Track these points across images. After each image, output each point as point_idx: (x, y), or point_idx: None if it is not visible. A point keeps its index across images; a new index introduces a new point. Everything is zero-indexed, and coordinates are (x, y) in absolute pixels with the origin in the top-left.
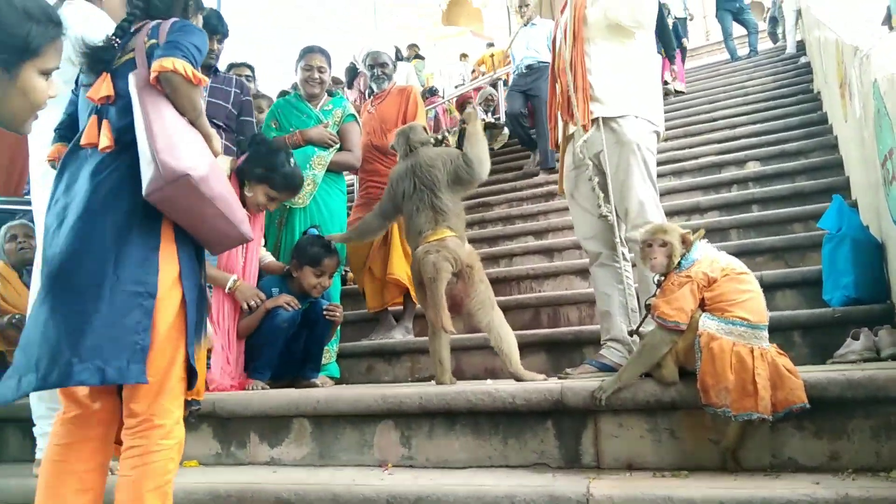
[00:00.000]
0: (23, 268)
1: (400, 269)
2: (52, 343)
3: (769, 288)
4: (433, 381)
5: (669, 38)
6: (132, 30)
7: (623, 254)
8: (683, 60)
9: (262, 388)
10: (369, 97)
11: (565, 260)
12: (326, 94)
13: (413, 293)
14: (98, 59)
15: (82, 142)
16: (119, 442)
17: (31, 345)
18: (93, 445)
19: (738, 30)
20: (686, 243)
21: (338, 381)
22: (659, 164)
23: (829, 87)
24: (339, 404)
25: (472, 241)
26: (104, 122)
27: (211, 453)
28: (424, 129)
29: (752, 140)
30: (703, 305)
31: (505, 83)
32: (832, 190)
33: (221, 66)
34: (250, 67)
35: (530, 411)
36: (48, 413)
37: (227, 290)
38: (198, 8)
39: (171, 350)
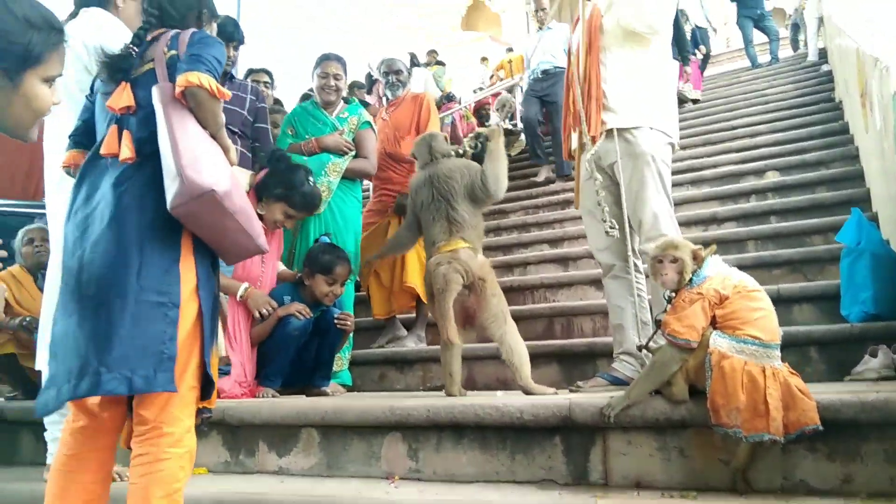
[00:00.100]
0: (38, 271)
1: (414, 277)
2: (81, 354)
3: (786, 302)
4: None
5: (684, 42)
6: (148, 38)
7: (636, 265)
8: (703, 68)
9: (273, 396)
10: (385, 104)
11: (580, 269)
12: (342, 101)
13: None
14: (117, 68)
15: (102, 151)
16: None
17: (63, 355)
18: (101, 456)
19: (759, 37)
20: (697, 259)
21: (350, 389)
22: (676, 172)
23: (850, 96)
24: (347, 415)
25: (487, 248)
26: (125, 132)
27: (220, 461)
28: (445, 139)
29: (771, 149)
30: (714, 323)
31: (522, 89)
32: (852, 202)
33: (241, 69)
34: (269, 73)
35: (538, 427)
36: (59, 418)
37: (238, 298)
38: (212, 16)
39: (184, 359)
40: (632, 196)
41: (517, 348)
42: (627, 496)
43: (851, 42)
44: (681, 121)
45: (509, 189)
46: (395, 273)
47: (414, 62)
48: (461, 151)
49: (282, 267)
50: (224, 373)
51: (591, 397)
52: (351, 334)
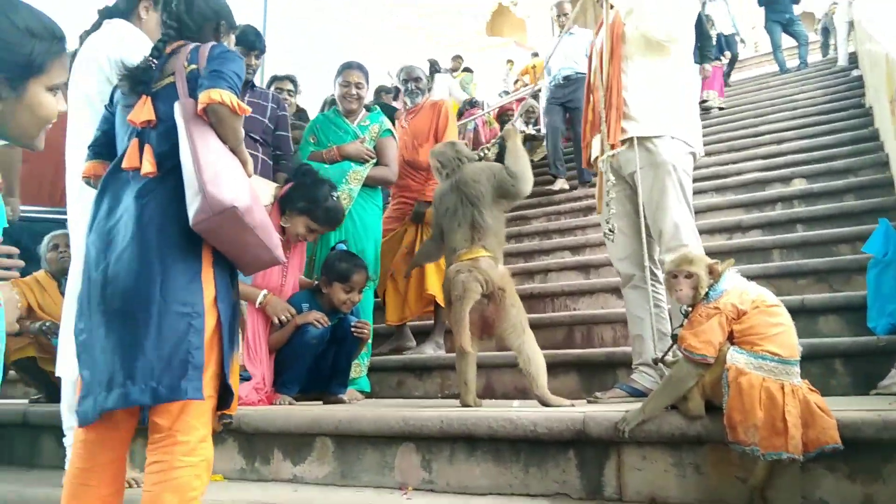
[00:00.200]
0: (62, 277)
1: (434, 284)
2: (108, 366)
3: (811, 312)
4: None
5: (707, 44)
6: (167, 51)
7: (656, 275)
8: (728, 74)
9: (290, 403)
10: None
11: (602, 277)
12: (364, 109)
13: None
14: (137, 81)
15: (124, 165)
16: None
17: (93, 367)
18: (113, 468)
19: (787, 41)
20: (714, 273)
21: (368, 396)
22: (701, 179)
23: (880, 102)
24: (361, 424)
25: (508, 255)
26: (146, 146)
27: (236, 468)
28: (465, 145)
29: (798, 156)
30: (731, 338)
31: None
32: (881, 210)
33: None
34: (293, 81)
35: (552, 440)
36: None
37: (257, 305)
38: (230, 27)
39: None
40: (652, 206)
41: (534, 358)
42: None
43: (881, 47)
44: (705, 126)
45: (532, 195)
46: (410, 279)
47: (435, 69)
48: (480, 155)
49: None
50: (244, 379)
51: (605, 411)
52: (369, 343)
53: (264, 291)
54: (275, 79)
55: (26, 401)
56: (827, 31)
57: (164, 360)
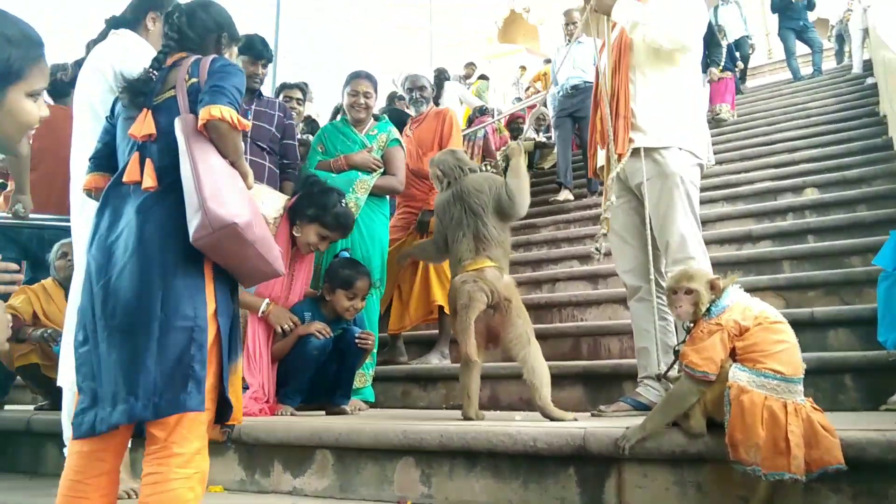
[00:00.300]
0: (69, 285)
1: (438, 293)
2: (111, 383)
3: (821, 326)
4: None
5: (716, 51)
6: (168, 63)
7: (662, 287)
8: (740, 83)
9: (291, 414)
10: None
11: (610, 287)
12: (372, 119)
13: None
14: (137, 93)
15: (125, 179)
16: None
17: (96, 381)
18: (108, 479)
19: (801, 48)
20: (715, 289)
21: (372, 406)
22: (712, 188)
23: (894, 110)
24: (360, 438)
25: (516, 263)
26: (147, 160)
27: (236, 479)
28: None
29: (811, 165)
30: (733, 355)
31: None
32: (894, 221)
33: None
34: (302, 89)
35: (552, 455)
36: None
37: (260, 315)
38: (232, 39)
39: None
40: (659, 217)
41: (539, 370)
42: None
43: (894, 55)
44: (718, 134)
45: (541, 203)
46: (413, 286)
47: (444, 76)
48: (485, 168)
49: None
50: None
51: (606, 427)
52: (374, 353)
53: (267, 300)
54: (284, 87)
55: (32, 407)
56: (841, 38)
57: (165, 375)
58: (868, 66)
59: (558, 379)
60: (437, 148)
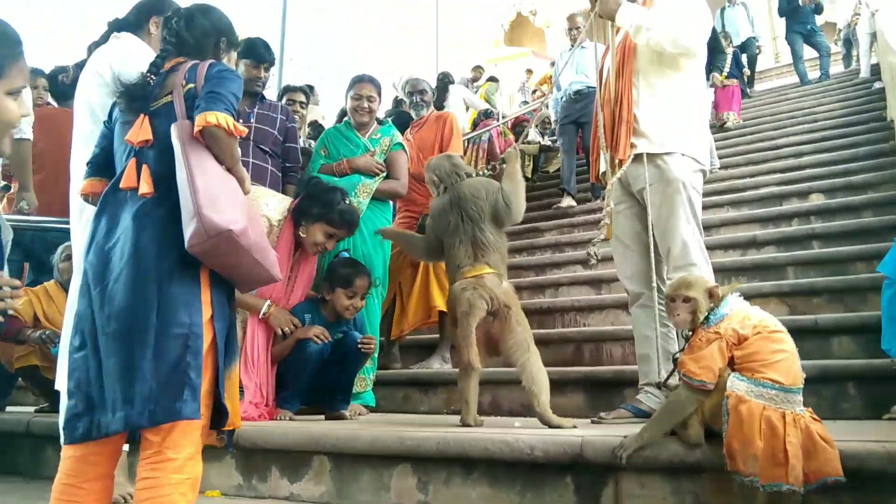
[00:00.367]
0: None
1: (438, 297)
2: (106, 391)
3: (824, 333)
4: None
5: (719, 58)
6: (166, 67)
7: (664, 292)
8: (750, 82)
9: (290, 419)
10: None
11: (613, 293)
12: (376, 122)
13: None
14: (134, 98)
15: (122, 184)
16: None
17: (91, 387)
18: (102, 483)
19: (809, 52)
20: (714, 298)
21: (373, 410)
22: (717, 193)
23: None
24: (357, 444)
25: (519, 267)
26: (143, 167)
27: (233, 484)
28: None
29: (817, 170)
30: (732, 364)
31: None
32: None
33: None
34: (305, 92)
35: (549, 464)
36: None
37: (260, 317)
38: (230, 45)
39: None
40: (661, 223)
41: (538, 376)
42: None
43: None
44: (724, 139)
45: (545, 207)
46: (413, 290)
47: (448, 79)
48: (479, 173)
49: None
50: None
51: (604, 435)
52: (375, 357)
53: (268, 302)
54: (287, 89)
55: (33, 409)
56: (849, 42)
57: (161, 383)
58: (876, 71)
59: (560, 385)
60: (438, 152)
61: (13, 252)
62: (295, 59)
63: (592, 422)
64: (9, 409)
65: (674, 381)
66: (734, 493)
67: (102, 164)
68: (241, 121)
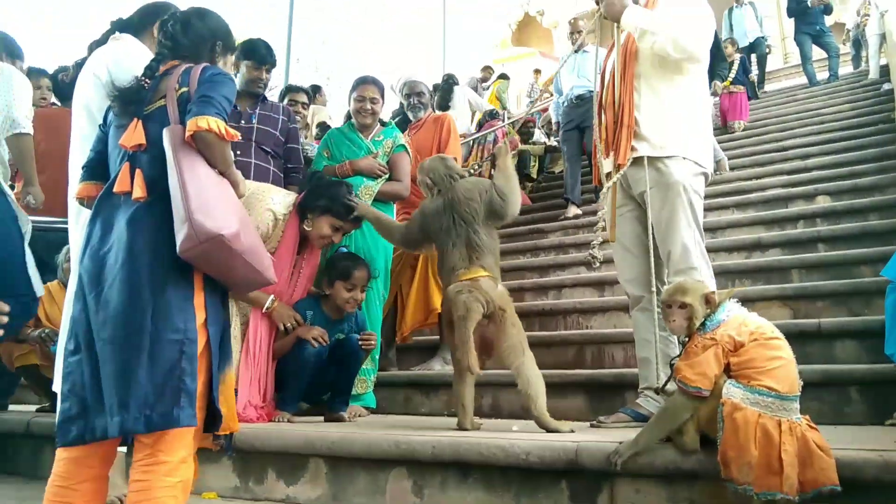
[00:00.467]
0: None
1: (438, 300)
2: (101, 395)
3: (827, 337)
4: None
5: (720, 65)
6: (161, 70)
7: None
8: (757, 88)
9: (288, 421)
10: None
11: (616, 295)
12: (379, 124)
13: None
14: (128, 101)
15: (115, 189)
16: None
17: (85, 391)
18: (96, 486)
19: (819, 53)
20: (711, 304)
21: (374, 412)
22: (723, 195)
23: None
24: (353, 447)
25: (523, 269)
26: (137, 171)
27: (230, 486)
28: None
29: (824, 172)
30: (728, 371)
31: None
32: None
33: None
34: (307, 93)
35: (544, 469)
36: None
37: (263, 311)
38: (226, 48)
39: None
40: (661, 227)
41: (533, 380)
42: None
43: None
44: (730, 140)
45: (550, 208)
46: (412, 291)
47: (452, 81)
48: (471, 172)
49: None
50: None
51: (599, 441)
52: (377, 358)
53: (272, 297)
54: (289, 90)
55: (34, 409)
56: (858, 44)
57: (157, 388)
58: (885, 72)
59: (560, 387)
60: (436, 153)
61: None
62: (302, 60)
63: (592, 426)
64: (12, 407)
65: (672, 386)
66: (729, 500)
67: (97, 168)
68: (242, 122)
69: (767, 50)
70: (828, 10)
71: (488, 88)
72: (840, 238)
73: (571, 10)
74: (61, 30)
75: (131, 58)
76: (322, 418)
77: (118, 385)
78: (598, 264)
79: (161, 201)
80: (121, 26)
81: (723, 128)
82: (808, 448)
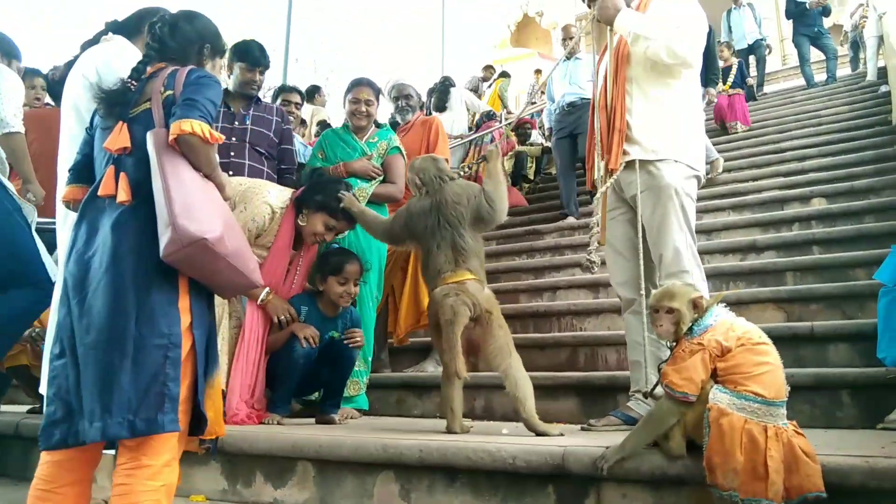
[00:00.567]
0: None
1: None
2: (84, 400)
3: (820, 340)
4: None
5: (712, 69)
6: (148, 73)
7: None
8: (760, 85)
9: (278, 423)
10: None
11: (610, 297)
12: (374, 126)
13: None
14: (113, 104)
15: (100, 192)
16: None
17: (70, 395)
18: (78, 489)
19: (816, 54)
20: (698, 308)
21: (366, 413)
22: (719, 196)
23: None
24: (341, 450)
25: (519, 270)
26: (121, 174)
27: (218, 489)
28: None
29: (820, 175)
30: (715, 376)
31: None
32: None
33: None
34: (300, 93)
35: (531, 473)
36: None
37: (259, 302)
38: (214, 51)
39: None
40: (653, 230)
41: (521, 382)
42: None
43: None
44: (727, 142)
45: (545, 209)
46: (404, 293)
47: (449, 83)
48: (461, 174)
49: None
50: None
51: (587, 445)
52: (369, 359)
53: (267, 289)
54: (282, 90)
55: (25, 409)
56: (856, 45)
57: (140, 393)
58: (882, 74)
59: (552, 389)
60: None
61: None
62: (300, 60)
63: (582, 429)
64: (4, 407)
65: (660, 390)
66: None
67: (83, 171)
68: (236, 123)
69: (767, 51)
70: (826, 11)
71: (490, 87)
72: (835, 241)
73: (570, 11)
74: (61, 30)
75: (121, 59)
76: (313, 420)
77: (101, 390)
78: (595, 269)
79: (146, 205)
80: (115, 28)
81: (718, 128)
82: (794, 454)
